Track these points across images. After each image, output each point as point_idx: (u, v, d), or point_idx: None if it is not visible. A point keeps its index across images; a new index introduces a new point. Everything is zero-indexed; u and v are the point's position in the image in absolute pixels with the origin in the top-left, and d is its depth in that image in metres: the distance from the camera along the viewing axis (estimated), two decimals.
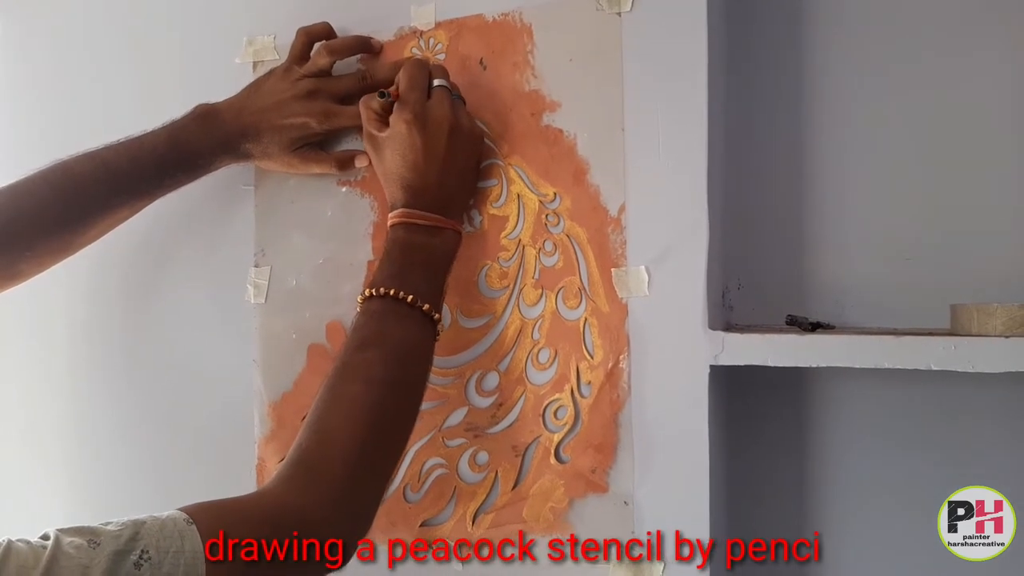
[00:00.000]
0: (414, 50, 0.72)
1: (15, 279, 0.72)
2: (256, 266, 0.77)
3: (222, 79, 0.76)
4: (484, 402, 0.69)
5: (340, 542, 0.54)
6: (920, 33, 0.69)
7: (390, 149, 0.65)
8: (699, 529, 0.62)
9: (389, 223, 0.65)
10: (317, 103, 0.71)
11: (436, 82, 0.67)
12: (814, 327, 0.64)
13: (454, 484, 0.69)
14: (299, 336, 0.75)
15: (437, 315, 0.63)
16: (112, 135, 0.73)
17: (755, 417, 0.71)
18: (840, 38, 0.70)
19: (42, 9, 0.90)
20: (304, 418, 0.73)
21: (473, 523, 0.69)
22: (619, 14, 0.65)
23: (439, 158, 0.64)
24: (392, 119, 0.65)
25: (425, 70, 0.67)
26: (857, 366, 0.58)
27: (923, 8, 0.68)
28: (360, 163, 0.73)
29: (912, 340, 0.57)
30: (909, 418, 0.68)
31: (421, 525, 0.70)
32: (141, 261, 0.82)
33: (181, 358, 0.81)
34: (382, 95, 0.66)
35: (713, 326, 0.62)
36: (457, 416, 0.70)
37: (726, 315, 0.69)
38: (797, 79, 0.71)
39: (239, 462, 0.77)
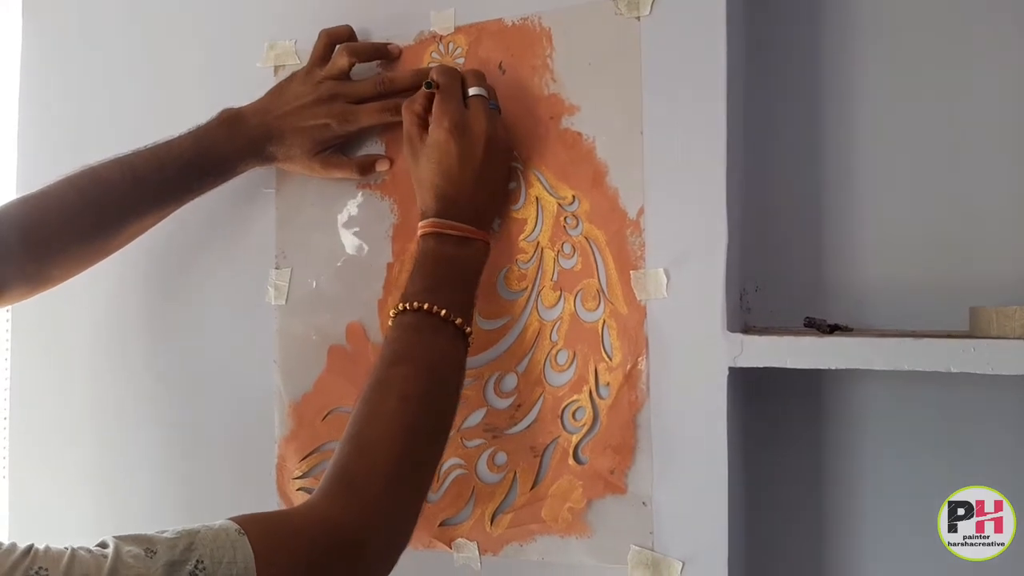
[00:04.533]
0: (434, 55, 0.73)
1: (45, 284, 0.73)
2: (277, 268, 0.78)
3: (244, 83, 0.77)
4: (503, 403, 0.70)
5: (383, 554, 0.55)
6: (940, 34, 0.69)
7: (426, 156, 0.66)
8: (717, 529, 0.62)
9: (419, 232, 0.65)
10: (336, 105, 0.72)
11: (473, 90, 0.67)
12: (832, 329, 0.64)
13: (473, 484, 0.70)
14: (319, 337, 0.76)
15: (468, 328, 0.63)
16: (137, 140, 0.73)
17: (773, 418, 0.71)
18: (859, 40, 0.70)
19: (66, 15, 0.91)
20: (325, 418, 0.75)
21: (492, 523, 0.69)
22: (638, 18, 0.66)
23: (474, 169, 0.65)
24: (431, 127, 0.66)
25: (458, 78, 0.68)
26: (876, 368, 0.58)
27: (944, 9, 0.69)
28: (381, 167, 0.74)
29: (931, 342, 0.57)
30: (927, 420, 0.68)
31: (440, 525, 0.71)
32: (164, 263, 0.83)
33: (203, 358, 0.81)
34: (428, 86, 0.67)
35: (732, 328, 0.63)
36: (476, 417, 0.70)
37: (744, 317, 0.70)
38: (816, 81, 0.71)
39: (259, 462, 0.78)
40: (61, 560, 0.44)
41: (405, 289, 0.64)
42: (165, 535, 0.47)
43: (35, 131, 0.92)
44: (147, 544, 0.46)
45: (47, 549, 0.45)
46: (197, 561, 0.46)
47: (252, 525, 0.50)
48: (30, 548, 0.44)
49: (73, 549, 0.45)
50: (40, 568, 0.43)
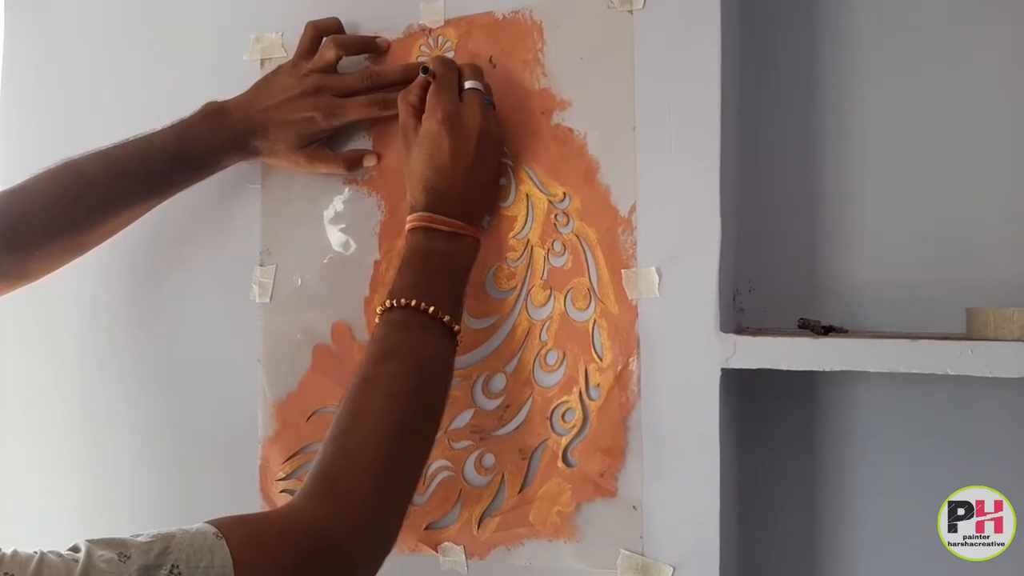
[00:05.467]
0: (423, 48, 0.72)
1: (25, 279, 0.72)
2: (261, 265, 0.77)
3: (230, 77, 0.76)
4: (491, 404, 0.68)
5: (368, 558, 0.54)
6: (936, 32, 0.68)
7: (418, 148, 0.65)
8: (709, 533, 0.61)
9: (408, 226, 0.64)
10: (322, 98, 0.71)
11: (468, 84, 0.66)
12: (827, 330, 0.63)
13: (460, 487, 0.69)
14: (304, 336, 0.75)
15: (457, 327, 0.62)
16: (120, 133, 0.72)
17: (766, 421, 0.70)
18: (854, 38, 0.70)
19: (49, 8, 0.89)
20: (309, 418, 0.74)
21: (479, 526, 0.68)
22: (631, 12, 0.65)
23: (466, 163, 0.64)
24: (424, 119, 0.65)
25: (455, 70, 0.67)
26: (872, 370, 0.57)
27: (940, 7, 0.68)
28: (368, 163, 0.72)
29: (928, 344, 0.56)
30: (922, 422, 0.67)
31: (426, 528, 0.69)
32: (147, 259, 0.82)
33: (186, 356, 0.80)
34: (425, 71, 0.66)
35: (725, 329, 0.61)
36: (463, 418, 0.69)
37: (737, 318, 0.69)
38: (811, 78, 0.70)
39: (243, 462, 0.76)
40: (29, 565, 0.42)
41: (393, 285, 0.62)
42: (140, 539, 0.46)
43: (17, 124, 0.91)
44: (120, 548, 0.45)
45: (15, 553, 0.43)
46: (172, 566, 0.45)
47: (231, 528, 0.48)
48: None
49: (42, 553, 0.43)
50: (6, 574, 0.42)
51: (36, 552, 0.43)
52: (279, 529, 0.51)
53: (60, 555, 0.44)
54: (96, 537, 0.46)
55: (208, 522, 0.48)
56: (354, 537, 0.53)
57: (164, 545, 0.45)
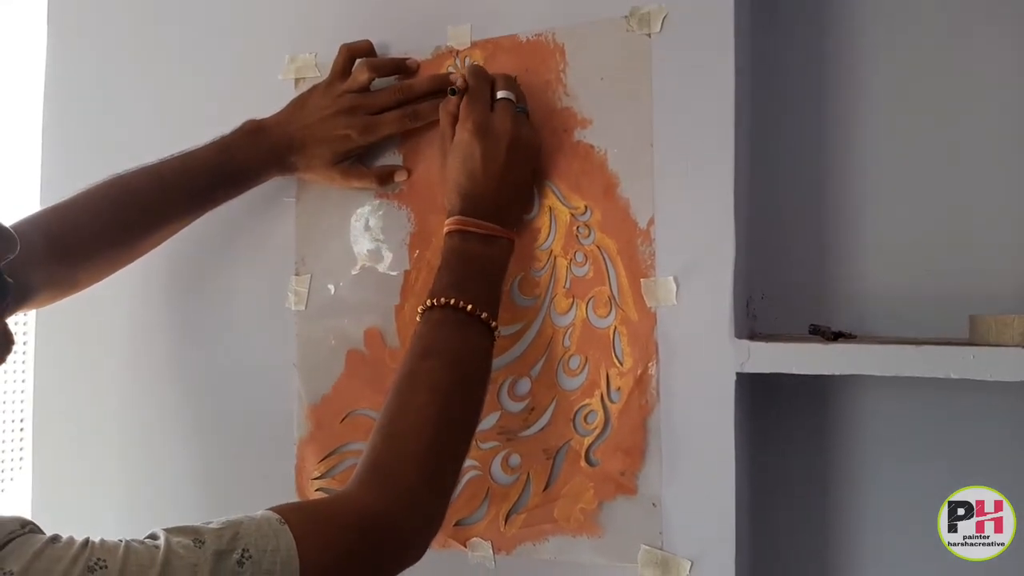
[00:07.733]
0: (450, 69, 0.75)
1: (74, 288, 0.75)
2: (297, 274, 0.80)
3: (265, 95, 0.79)
4: (516, 407, 0.72)
5: (416, 539, 0.58)
6: (941, 50, 0.71)
7: (452, 156, 0.68)
8: (725, 529, 0.64)
9: (445, 230, 0.68)
10: (357, 117, 0.74)
11: (500, 94, 0.69)
12: (837, 336, 0.66)
13: (487, 485, 0.72)
14: (338, 342, 0.78)
15: (495, 323, 0.65)
16: (159, 149, 0.76)
17: (779, 422, 0.73)
18: (864, 56, 0.73)
19: (89, 27, 0.93)
20: (343, 420, 0.77)
21: (505, 523, 0.71)
22: (649, 35, 0.68)
23: (497, 168, 0.67)
24: (457, 127, 0.69)
25: (488, 81, 0.70)
26: (879, 374, 0.60)
27: (945, 25, 0.71)
28: (399, 178, 0.76)
29: (932, 349, 0.59)
30: (928, 424, 0.70)
31: (455, 524, 0.73)
32: (187, 269, 0.86)
33: (225, 361, 0.83)
34: (452, 92, 0.69)
35: (739, 335, 0.65)
36: (490, 420, 0.72)
37: (751, 324, 0.72)
38: (821, 94, 0.73)
39: (279, 462, 0.80)
40: (117, 552, 0.46)
41: (433, 286, 0.66)
42: (211, 526, 0.50)
43: (58, 141, 0.94)
44: (195, 535, 0.48)
45: (102, 542, 0.47)
46: (243, 550, 0.48)
47: (292, 514, 0.52)
48: (87, 541, 0.46)
49: (126, 541, 0.47)
50: (99, 559, 0.45)
51: (121, 540, 0.47)
52: (335, 513, 0.55)
53: (142, 542, 0.47)
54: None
55: (270, 509, 0.52)
56: (403, 519, 0.57)
57: (234, 531, 0.49)
